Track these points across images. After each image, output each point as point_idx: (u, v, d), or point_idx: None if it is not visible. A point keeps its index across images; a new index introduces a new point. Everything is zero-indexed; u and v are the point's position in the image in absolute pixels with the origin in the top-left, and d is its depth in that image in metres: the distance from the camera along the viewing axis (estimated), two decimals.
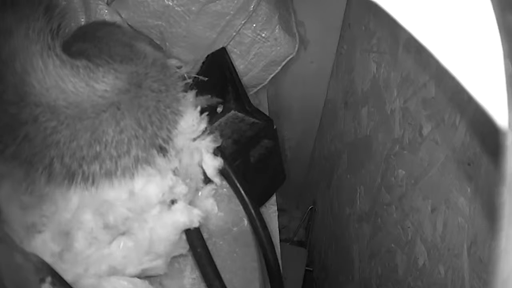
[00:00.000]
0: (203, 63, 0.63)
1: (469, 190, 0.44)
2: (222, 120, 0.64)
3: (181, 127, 0.50)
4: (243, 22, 0.69)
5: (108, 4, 0.65)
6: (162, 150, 0.48)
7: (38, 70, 0.43)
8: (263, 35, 0.72)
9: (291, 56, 0.76)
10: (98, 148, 0.44)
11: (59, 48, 0.45)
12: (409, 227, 0.60)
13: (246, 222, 0.54)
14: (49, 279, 0.39)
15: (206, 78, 0.59)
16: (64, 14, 0.48)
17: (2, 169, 0.43)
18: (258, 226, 0.54)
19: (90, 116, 0.44)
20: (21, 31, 0.43)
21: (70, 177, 0.44)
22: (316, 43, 0.92)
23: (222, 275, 0.47)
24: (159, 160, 0.47)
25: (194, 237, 0.48)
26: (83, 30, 0.56)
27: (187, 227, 0.47)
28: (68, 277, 0.41)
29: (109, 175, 0.45)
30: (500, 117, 0.22)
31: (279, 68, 0.77)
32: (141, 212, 0.46)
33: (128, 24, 0.66)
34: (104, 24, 0.61)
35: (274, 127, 0.66)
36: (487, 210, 0.41)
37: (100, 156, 0.44)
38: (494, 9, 0.23)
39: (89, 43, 0.50)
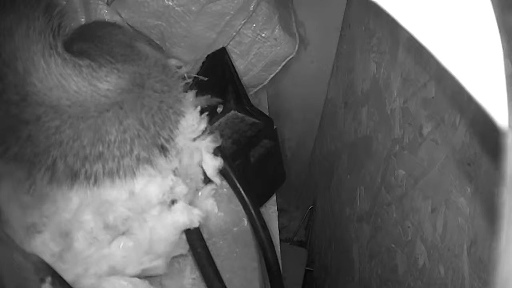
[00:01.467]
0: (203, 63, 0.63)
1: (469, 190, 0.44)
2: (222, 120, 0.64)
3: (181, 127, 0.50)
4: (243, 22, 0.69)
5: (108, 4, 0.65)
6: (164, 150, 0.48)
7: (40, 69, 0.43)
8: (263, 35, 0.72)
9: (291, 56, 0.77)
10: (101, 148, 0.44)
11: (61, 47, 0.45)
12: (409, 227, 0.60)
13: (246, 222, 0.54)
14: (49, 279, 0.39)
15: (206, 78, 0.59)
16: (64, 14, 0.48)
17: (3, 169, 0.43)
18: (258, 226, 0.54)
19: (93, 115, 0.44)
20: (22, 30, 0.43)
21: (73, 177, 0.44)
22: (316, 43, 0.92)
23: (222, 275, 0.47)
24: (160, 160, 0.47)
25: (194, 237, 0.48)
26: (83, 30, 0.56)
27: (187, 227, 0.47)
28: (68, 277, 0.41)
29: (111, 174, 0.45)
30: (500, 117, 0.22)
31: (279, 68, 0.77)
32: (141, 212, 0.46)
33: (128, 24, 0.66)
34: (104, 24, 0.61)
35: (274, 127, 0.66)
36: (487, 210, 0.41)
37: (103, 156, 0.44)
38: (494, 9, 0.23)
39: (90, 43, 0.50)
